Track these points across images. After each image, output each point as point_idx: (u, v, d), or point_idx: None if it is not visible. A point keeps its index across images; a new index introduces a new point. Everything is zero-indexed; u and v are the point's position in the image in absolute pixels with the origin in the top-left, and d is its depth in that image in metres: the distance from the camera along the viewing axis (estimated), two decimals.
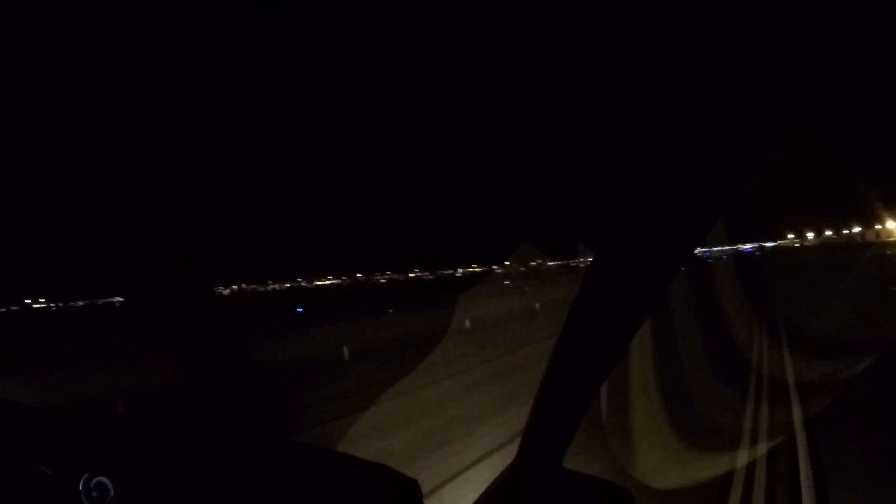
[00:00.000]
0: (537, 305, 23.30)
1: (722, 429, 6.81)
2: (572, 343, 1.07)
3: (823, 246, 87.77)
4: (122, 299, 3.69)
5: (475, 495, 1.24)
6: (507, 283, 40.07)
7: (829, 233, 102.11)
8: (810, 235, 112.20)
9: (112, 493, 1.33)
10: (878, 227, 64.62)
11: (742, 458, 5.77)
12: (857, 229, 75.27)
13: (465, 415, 8.19)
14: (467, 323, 17.09)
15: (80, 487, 1.33)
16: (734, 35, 0.74)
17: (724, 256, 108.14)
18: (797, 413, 7.12)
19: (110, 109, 0.94)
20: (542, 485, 1.18)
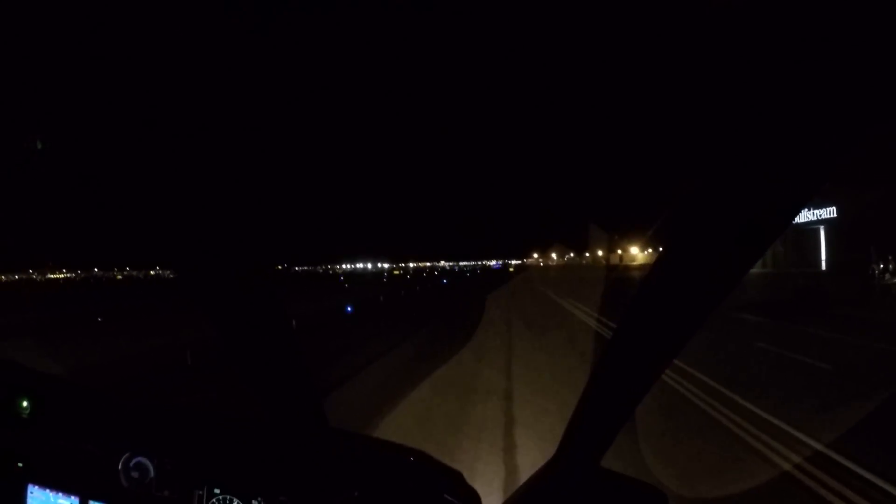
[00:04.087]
0: None
1: None
2: (623, 346, 1.05)
3: (567, 266, 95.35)
4: (173, 274, 1.44)
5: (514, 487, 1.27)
6: None
7: (571, 255, 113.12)
8: (553, 256, 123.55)
9: (152, 474, 1.34)
10: (619, 252, 71.78)
11: None
12: (599, 253, 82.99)
13: None
14: None
15: (120, 467, 1.36)
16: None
17: (478, 270, 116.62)
18: None
19: (128, 107, 0.97)
20: (578, 483, 1.19)
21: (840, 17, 0.64)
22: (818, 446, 5.05)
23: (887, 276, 19.20)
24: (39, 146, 1.09)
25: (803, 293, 20.03)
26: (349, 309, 21.83)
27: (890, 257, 19.43)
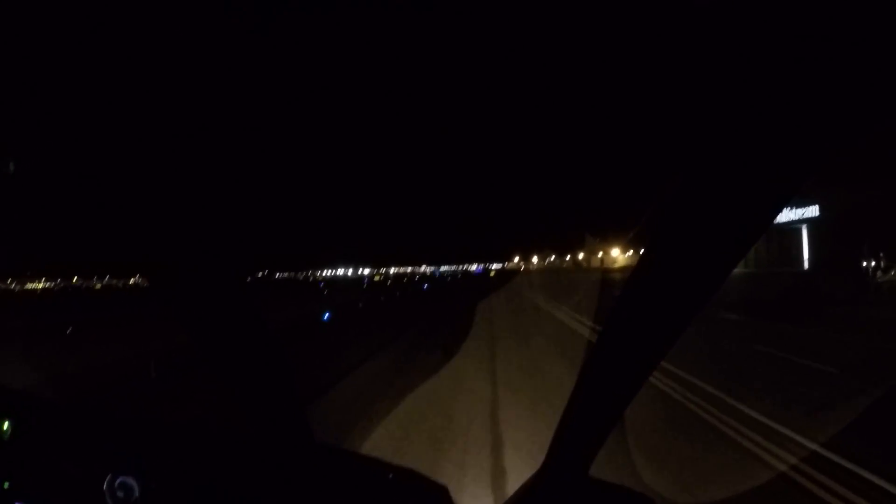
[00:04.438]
0: None
1: None
2: (607, 352, 1.04)
3: (548, 269, 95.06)
4: (146, 282, 1.23)
5: (502, 499, 1.27)
6: None
7: (553, 258, 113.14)
8: (535, 260, 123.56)
9: (137, 494, 1.31)
10: (601, 254, 71.69)
11: None
12: (580, 255, 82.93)
13: None
14: None
15: (105, 487, 1.33)
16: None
17: (459, 275, 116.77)
18: None
19: (129, 107, 0.98)
20: (567, 492, 1.19)
21: (822, 18, 0.63)
22: (850, 465, 4.40)
23: (879, 273, 18.84)
24: (12, 168, 1.06)
25: (793, 292, 19.64)
26: (326, 317, 20.96)
27: (881, 254, 19.09)
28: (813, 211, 29.40)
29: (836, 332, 11.49)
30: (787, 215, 30.82)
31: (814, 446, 4.88)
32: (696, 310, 0.88)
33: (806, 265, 30.80)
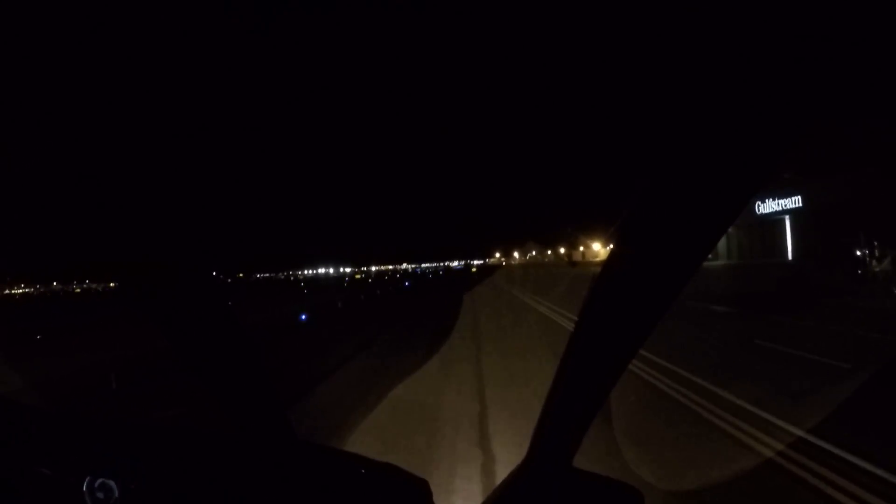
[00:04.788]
0: None
1: None
2: (585, 342, 1.05)
3: (529, 265, 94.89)
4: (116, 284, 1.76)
5: (486, 493, 1.25)
6: None
7: (533, 253, 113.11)
8: (516, 255, 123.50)
9: (117, 495, 1.29)
10: (582, 248, 71.65)
11: None
12: (562, 250, 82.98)
13: None
14: None
15: (84, 489, 1.30)
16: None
17: (441, 272, 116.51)
18: None
19: (112, 107, 0.97)
20: (551, 484, 1.19)
21: (784, 16, 0.66)
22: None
23: (873, 262, 18.45)
24: None
25: (785, 283, 19.24)
26: (302, 318, 20.13)
27: (875, 243, 18.69)
28: (796, 201, 29.22)
29: (839, 324, 10.92)
30: (769, 206, 30.71)
31: (859, 460, 4.22)
32: (670, 299, 0.88)
33: (790, 256, 30.61)
